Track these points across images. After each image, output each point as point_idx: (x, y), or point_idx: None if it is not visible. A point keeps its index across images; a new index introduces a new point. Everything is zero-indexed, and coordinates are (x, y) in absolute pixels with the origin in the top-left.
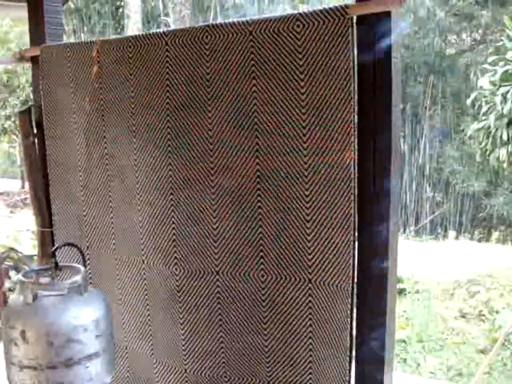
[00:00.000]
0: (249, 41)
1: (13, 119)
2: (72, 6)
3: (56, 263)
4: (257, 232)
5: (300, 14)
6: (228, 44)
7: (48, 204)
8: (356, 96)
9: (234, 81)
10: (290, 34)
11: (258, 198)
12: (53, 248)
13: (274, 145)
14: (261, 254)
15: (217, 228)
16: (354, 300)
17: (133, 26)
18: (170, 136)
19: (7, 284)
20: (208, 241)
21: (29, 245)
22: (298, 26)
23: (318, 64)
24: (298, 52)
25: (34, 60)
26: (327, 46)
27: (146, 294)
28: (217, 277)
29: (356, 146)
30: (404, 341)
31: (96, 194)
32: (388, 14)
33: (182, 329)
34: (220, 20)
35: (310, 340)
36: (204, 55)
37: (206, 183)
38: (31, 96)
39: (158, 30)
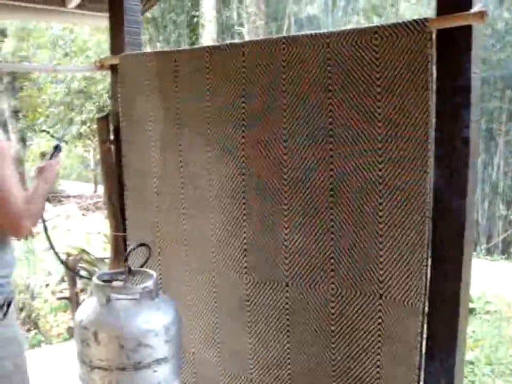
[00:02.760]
0: (326, 53)
1: (88, 124)
2: (148, 15)
3: (129, 268)
4: (329, 244)
5: (378, 26)
6: (304, 55)
7: (122, 209)
8: (434, 111)
9: (310, 93)
10: (368, 47)
11: (331, 211)
12: (127, 252)
13: (348, 159)
14: (332, 266)
15: (288, 238)
16: (425, 318)
17: (208, 36)
18: (244, 146)
19: (79, 285)
20: (279, 251)
21: (99, 248)
22: (376, 39)
23: (395, 78)
24: (375, 65)
25: (113, 68)
26: (405, 59)
27: (216, 302)
28: (286, 287)
29: (432, 162)
30: (472, 363)
31: (169, 202)
32: (468, 28)
33: (250, 339)
34: (293, 31)
35: (378, 357)
36: (280, 66)
37: (279, 193)
38: (108, 103)
39: (235, 41)
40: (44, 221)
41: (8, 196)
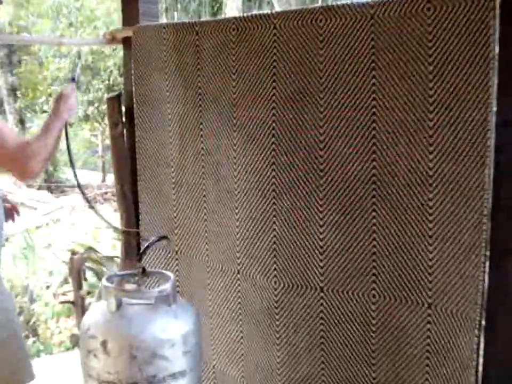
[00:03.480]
0: (369, 27)
1: (96, 104)
2: None
3: (143, 268)
4: (370, 245)
5: None
6: (345, 29)
7: (136, 202)
8: (495, 93)
9: (351, 72)
10: (419, 19)
11: (373, 206)
12: (141, 251)
13: (394, 147)
14: (373, 270)
15: (324, 238)
16: (482, 333)
17: (232, 5)
18: (275, 132)
19: (85, 287)
20: (313, 252)
21: (108, 245)
22: (428, 9)
23: (450, 55)
24: (427, 40)
25: (126, 41)
26: (462, 33)
27: (240, 308)
28: (321, 293)
29: (492, 152)
30: None
31: (189, 194)
32: None
33: (278, 351)
34: (331, 1)
35: (427, 375)
36: (317, 42)
37: (314, 187)
38: (119, 81)
39: (265, 12)
40: (67, 138)
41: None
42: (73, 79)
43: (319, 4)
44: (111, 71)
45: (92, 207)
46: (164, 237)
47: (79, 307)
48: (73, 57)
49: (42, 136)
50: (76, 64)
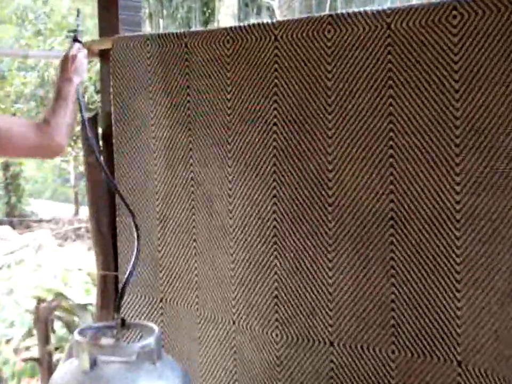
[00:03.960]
0: (385, 38)
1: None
2: None
3: (123, 320)
4: (388, 292)
5: (459, 1)
6: (356, 41)
7: (114, 240)
8: None
9: (364, 90)
10: (443, 29)
11: (391, 246)
12: (119, 297)
13: (415, 177)
14: (392, 321)
15: (333, 283)
16: None
17: (227, 11)
18: (276, 160)
19: (53, 341)
20: (321, 300)
21: (81, 290)
22: (455, 17)
23: (480, 70)
24: (453, 53)
25: (103, 54)
26: (494, 45)
27: (235, 366)
28: (330, 348)
29: None
30: None
31: (176, 231)
32: None
33: None
34: (340, 8)
35: None
36: (324, 56)
37: (322, 224)
38: (95, 99)
39: (265, 21)
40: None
41: (11, 132)
42: (75, 40)
43: (327, 11)
44: (85, 87)
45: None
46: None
47: (45, 365)
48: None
49: (57, 107)
50: (77, 23)
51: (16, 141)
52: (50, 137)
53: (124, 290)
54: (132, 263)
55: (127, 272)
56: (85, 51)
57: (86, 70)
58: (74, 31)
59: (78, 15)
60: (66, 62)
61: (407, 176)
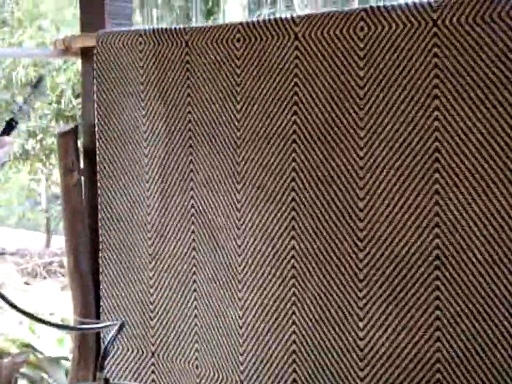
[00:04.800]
0: (431, 37)
1: (39, 136)
2: None
3: (107, 380)
4: (431, 348)
5: None
6: (395, 40)
7: (96, 280)
8: None
9: (404, 101)
10: (503, 26)
11: (436, 293)
12: (102, 351)
13: (466, 208)
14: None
15: (364, 337)
16: None
17: (235, 2)
18: (296, 184)
19: None
20: (349, 358)
21: (52, 340)
22: None
23: None
24: None
25: (86, 53)
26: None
27: None
28: None
29: None
30: None
31: (172, 271)
32: None
33: None
34: (373, 1)
35: None
36: (355, 58)
37: (350, 263)
38: (75, 106)
39: (283, 16)
40: None
41: None
42: (10, 123)
43: (357, 4)
44: (62, 91)
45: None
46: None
47: None
48: (7, 70)
49: None
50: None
51: None
52: None
53: (108, 348)
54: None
55: (114, 328)
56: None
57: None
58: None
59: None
60: None
61: (456, 206)
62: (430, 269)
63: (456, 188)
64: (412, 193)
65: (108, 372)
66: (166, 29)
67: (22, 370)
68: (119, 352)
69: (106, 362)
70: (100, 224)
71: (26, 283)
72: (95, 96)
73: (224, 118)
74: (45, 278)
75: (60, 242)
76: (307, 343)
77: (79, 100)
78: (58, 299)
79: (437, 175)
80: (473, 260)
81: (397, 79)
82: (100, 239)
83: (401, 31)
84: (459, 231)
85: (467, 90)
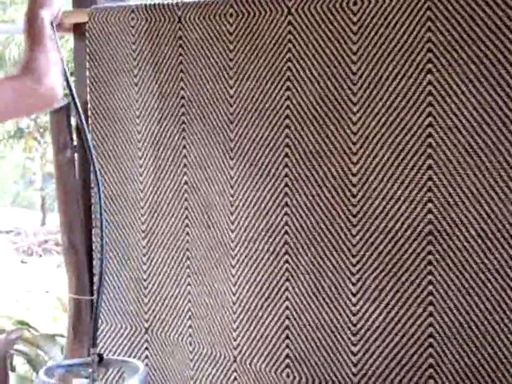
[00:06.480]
0: (424, 10)
1: (33, 115)
2: None
3: (100, 355)
4: (424, 323)
5: None
6: (388, 14)
7: (90, 257)
8: None
9: (397, 75)
10: None
11: (429, 267)
12: (93, 327)
13: (459, 183)
14: (430, 360)
15: (358, 312)
16: None
17: None
18: (289, 160)
19: (13, 383)
20: (342, 333)
21: (48, 317)
22: None
23: None
24: None
25: (78, 29)
26: None
27: None
28: None
29: None
30: None
31: (165, 247)
32: None
33: None
34: None
35: None
36: (349, 33)
37: (343, 238)
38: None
39: None
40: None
41: None
42: None
43: None
44: None
45: None
46: None
47: None
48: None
49: (31, 49)
50: None
51: None
52: (36, 81)
53: (97, 318)
54: (97, 283)
55: (96, 295)
56: None
57: (57, 3)
58: None
59: None
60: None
61: (450, 181)
62: (423, 244)
63: (450, 162)
64: (405, 168)
65: (102, 348)
66: (158, 4)
67: (17, 346)
68: (112, 328)
69: (100, 339)
70: (93, 202)
71: (22, 261)
72: (87, 72)
73: (217, 94)
74: (40, 256)
75: (55, 220)
76: (300, 318)
77: (73, 79)
78: (53, 277)
79: (430, 150)
80: (466, 234)
81: (390, 53)
82: (93, 216)
83: (394, 5)
84: (452, 206)
85: (460, 65)
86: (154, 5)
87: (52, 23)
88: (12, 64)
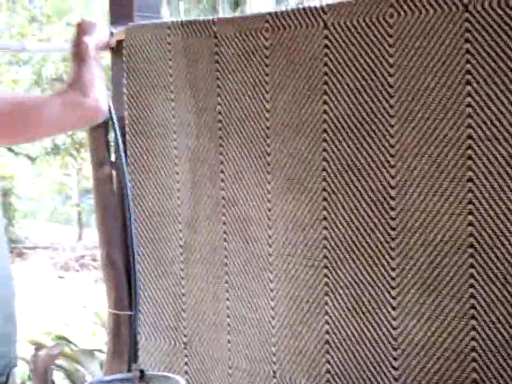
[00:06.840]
0: (462, 22)
1: (70, 132)
2: None
3: (142, 371)
4: (466, 338)
5: None
6: (425, 25)
7: (128, 273)
8: None
9: (435, 87)
10: None
11: (471, 280)
12: (132, 342)
13: (500, 195)
14: (474, 375)
15: (398, 326)
16: None
17: None
18: (326, 174)
19: None
20: (383, 348)
21: (87, 332)
22: None
23: None
24: None
25: (116, 47)
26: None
27: None
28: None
29: None
30: None
31: (203, 262)
32: None
33: None
34: None
35: None
36: (385, 44)
37: (382, 252)
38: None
39: (311, 5)
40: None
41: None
42: None
43: None
44: None
45: None
46: None
47: None
48: (37, 66)
49: (78, 69)
50: None
51: (43, 118)
52: (82, 94)
53: (136, 333)
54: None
55: (134, 309)
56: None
57: (100, 32)
58: None
59: None
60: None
61: (490, 193)
62: (464, 257)
63: (490, 174)
64: (444, 181)
65: (141, 363)
66: (194, 21)
67: (57, 362)
68: (152, 343)
69: (140, 354)
70: (131, 217)
71: (60, 277)
72: (124, 89)
73: (253, 108)
74: (77, 271)
75: (91, 235)
76: (340, 333)
77: (110, 97)
78: (91, 292)
79: (470, 162)
80: (508, 246)
81: (428, 65)
82: (133, 231)
83: (432, 17)
84: (493, 218)
85: (499, 75)
86: (190, 21)
87: (96, 48)
88: (48, 82)
